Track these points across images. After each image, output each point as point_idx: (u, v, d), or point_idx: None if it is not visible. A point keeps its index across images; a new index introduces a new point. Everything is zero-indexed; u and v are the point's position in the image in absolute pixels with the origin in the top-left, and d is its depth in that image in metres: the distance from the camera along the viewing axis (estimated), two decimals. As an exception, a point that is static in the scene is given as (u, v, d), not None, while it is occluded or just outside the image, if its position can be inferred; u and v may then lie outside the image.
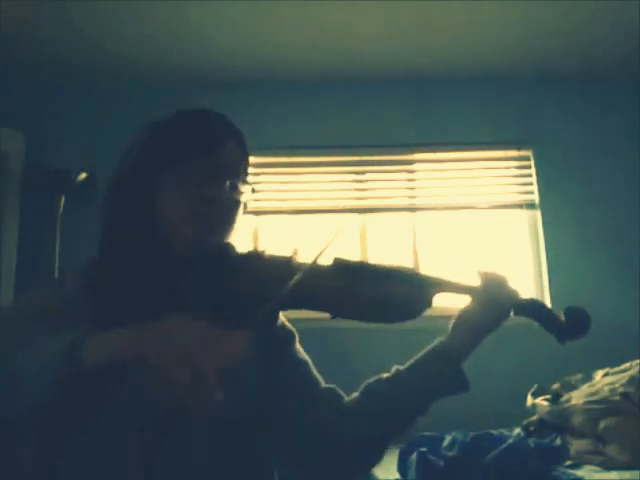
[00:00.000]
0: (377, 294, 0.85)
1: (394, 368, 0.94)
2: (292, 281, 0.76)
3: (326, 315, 0.85)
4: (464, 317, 0.91)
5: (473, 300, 0.90)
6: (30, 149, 2.67)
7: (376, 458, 0.94)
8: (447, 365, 0.89)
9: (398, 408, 0.90)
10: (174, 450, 0.78)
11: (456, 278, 0.92)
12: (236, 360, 0.63)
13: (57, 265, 2.48)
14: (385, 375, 0.93)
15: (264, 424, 0.89)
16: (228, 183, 0.87)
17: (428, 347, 0.93)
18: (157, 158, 0.88)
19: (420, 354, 0.93)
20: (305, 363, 0.97)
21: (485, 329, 0.90)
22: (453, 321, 0.92)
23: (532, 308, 0.91)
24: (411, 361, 0.93)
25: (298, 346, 0.99)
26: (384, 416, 0.90)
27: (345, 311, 0.84)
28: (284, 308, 0.91)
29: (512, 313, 0.90)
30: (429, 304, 0.88)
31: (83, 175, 2.53)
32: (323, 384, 0.97)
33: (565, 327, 0.89)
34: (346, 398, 0.95)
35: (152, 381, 0.62)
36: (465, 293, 0.91)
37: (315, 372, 0.97)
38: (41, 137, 2.70)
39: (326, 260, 0.85)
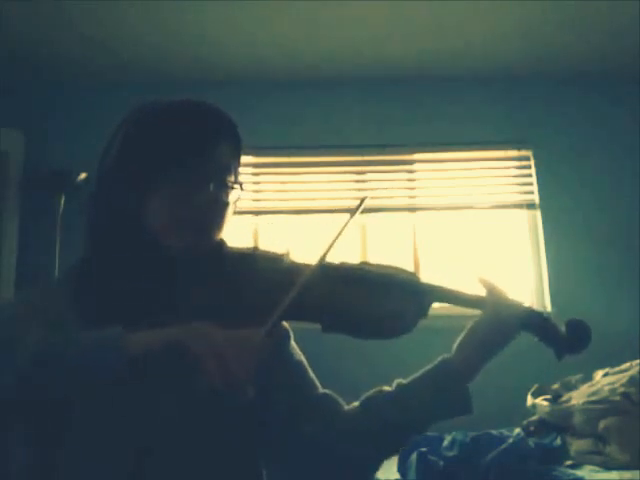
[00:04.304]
0: (373, 309, 0.81)
1: (396, 382, 0.89)
2: (290, 294, 0.73)
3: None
4: (471, 334, 0.86)
5: (482, 315, 0.85)
6: (30, 149, 2.67)
7: (369, 472, 0.90)
8: (453, 385, 0.84)
9: (398, 426, 0.86)
10: (166, 451, 0.77)
11: (460, 288, 0.87)
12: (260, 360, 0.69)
13: (57, 265, 2.47)
14: (386, 389, 0.89)
15: (254, 424, 0.86)
16: (212, 186, 0.81)
17: (433, 364, 0.88)
18: (140, 159, 0.82)
19: (424, 370, 0.88)
20: (300, 364, 0.93)
21: (492, 347, 0.86)
22: (460, 338, 0.87)
23: (534, 322, 0.87)
24: (414, 377, 0.88)
25: (293, 345, 0.94)
26: (383, 432, 0.86)
27: (338, 326, 0.81)
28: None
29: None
30: (425, 314, 0.84)
31: (83, 175, 2.53)
32: (320, 389, 0.92)
33: (566, 340, 0.86)
34: (345, 406, 0.91)
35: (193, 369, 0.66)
36: (471, 307, 0.86)
37: (311, 374, 0.93)
38: (41, 137, 2.69)
39: (314, 263, 0.80)
